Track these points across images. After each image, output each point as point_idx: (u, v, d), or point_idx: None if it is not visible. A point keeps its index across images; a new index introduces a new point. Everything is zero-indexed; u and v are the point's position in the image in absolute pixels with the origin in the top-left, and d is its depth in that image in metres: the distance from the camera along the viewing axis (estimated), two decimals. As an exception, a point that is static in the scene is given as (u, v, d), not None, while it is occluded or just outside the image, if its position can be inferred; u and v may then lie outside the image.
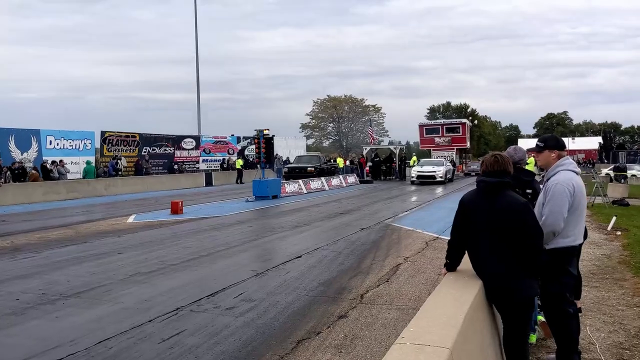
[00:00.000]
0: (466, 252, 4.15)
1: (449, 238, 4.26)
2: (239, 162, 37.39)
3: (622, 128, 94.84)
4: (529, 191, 5.15)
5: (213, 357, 5.06)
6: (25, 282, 8.06)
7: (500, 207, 3.80)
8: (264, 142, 23.23)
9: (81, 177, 28.70)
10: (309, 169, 32.89)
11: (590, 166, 45.18)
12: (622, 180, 28.00)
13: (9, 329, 6.00)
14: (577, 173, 4.56)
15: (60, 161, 27.31)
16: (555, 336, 4.61)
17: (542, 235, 3.99)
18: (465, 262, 4.22)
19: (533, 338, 5.09)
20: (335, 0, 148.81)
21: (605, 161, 52.45)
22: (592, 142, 73.36)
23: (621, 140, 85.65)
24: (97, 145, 32.42)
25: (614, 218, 13.26)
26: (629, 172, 36.15)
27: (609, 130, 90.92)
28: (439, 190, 27.70)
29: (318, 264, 9.23)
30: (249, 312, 6.45)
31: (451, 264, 4.23)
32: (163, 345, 5.36)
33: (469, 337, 3.20)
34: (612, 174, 33.01)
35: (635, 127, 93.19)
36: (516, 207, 3.80)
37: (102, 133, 32.37)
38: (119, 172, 31.26)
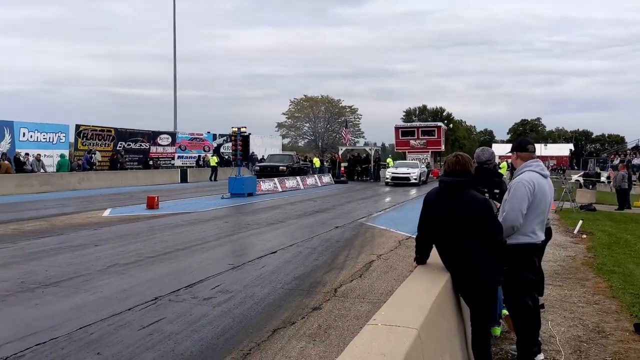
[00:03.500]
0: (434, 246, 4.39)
1: None
2: (214, 160, 37.31)
3: (593, 136, 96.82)
4: (496, 191, 5.49)
5: (192, 343, 5.24)
6: (3, 272, 8.12)
7: (461, 206, 4.04)
8: (241, 139, 23.35)
9: (55, 170, 28.43)
10: (280, 167, 32.93)
11: (561, 172, 46.13)
12: (591, 187, 28.66)
13: (-11, 315, 6.08)
14: (542, 175, 4.80)
15: (37, 155, 27.04)
16: (515, 328, 4.90)
17: (502, 229, 4.26)
18: (435, 256, 4.48)
19: (497, 331, 5.32)
20: (313, 1, 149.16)
21: (576, 168, 53.54)
22: (564, 149, 74.90)
23: (592, 149, 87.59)
24: (72, 139, 32.13)
25: (581, 222, 13.71)
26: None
27: (580, 138, 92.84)
28: (413, 192, 28.06)
29: (293, 259, 9.45)
30: (226, 303, 6.63)
31: (420, 258, 4.48)
32: (143, 331, 5.52)
33: (437, 322, 3.45)
34: (581, 180, 33.76)
35: (606, 135, 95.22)
36: (475, 205, 4.04)
37: (77, 126, 32.09)
38: (94, 166, 31.02)
